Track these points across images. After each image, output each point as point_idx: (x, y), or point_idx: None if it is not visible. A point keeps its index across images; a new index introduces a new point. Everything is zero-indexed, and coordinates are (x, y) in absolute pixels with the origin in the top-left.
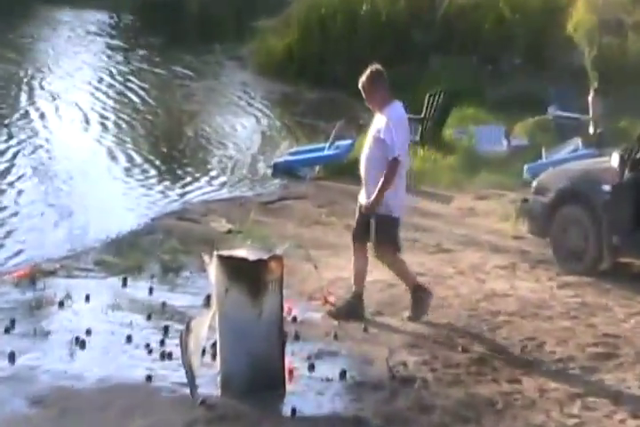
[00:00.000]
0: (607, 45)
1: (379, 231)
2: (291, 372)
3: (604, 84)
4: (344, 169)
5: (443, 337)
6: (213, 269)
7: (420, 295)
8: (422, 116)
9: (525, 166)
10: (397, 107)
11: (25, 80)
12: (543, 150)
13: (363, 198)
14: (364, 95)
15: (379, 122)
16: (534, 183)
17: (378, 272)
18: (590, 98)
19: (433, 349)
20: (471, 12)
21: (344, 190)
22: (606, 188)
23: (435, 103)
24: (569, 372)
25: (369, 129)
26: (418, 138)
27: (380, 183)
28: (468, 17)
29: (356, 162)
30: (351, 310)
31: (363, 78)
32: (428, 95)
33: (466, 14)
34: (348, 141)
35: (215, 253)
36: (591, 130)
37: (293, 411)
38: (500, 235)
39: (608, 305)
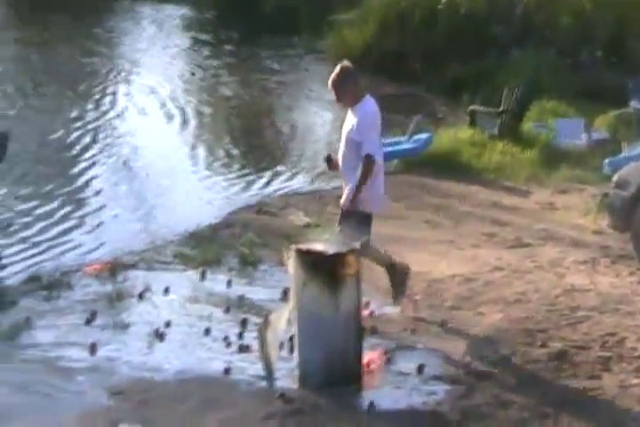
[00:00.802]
0: None
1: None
2: (368, 366)
3: None
4: (421, 162)
5: (521, 332)
6: (292, 262)
7: None
8: (501, 109)
9: (606, 160)
10: (369, 103)
11: (116, 74)
12: (624, 144)
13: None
14: (333, 94)
15: (350, 120)
16: (615, 177)
17: (456, 266)
18: None
19: (511, 344)
20: (551, 4)
21: (421, 184)
22: None
23: (513, 96)
24: None
25: (343, 127)
26: (496, 131)
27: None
28: (548, 9)
29: (433, 155)
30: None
31: (333, 76)
32: (506, 88)
33: (545, 6)
34: (426, 135)
35: (293, 246)
36: None
37: (371, 405)
38: (580, 229)
39: None
